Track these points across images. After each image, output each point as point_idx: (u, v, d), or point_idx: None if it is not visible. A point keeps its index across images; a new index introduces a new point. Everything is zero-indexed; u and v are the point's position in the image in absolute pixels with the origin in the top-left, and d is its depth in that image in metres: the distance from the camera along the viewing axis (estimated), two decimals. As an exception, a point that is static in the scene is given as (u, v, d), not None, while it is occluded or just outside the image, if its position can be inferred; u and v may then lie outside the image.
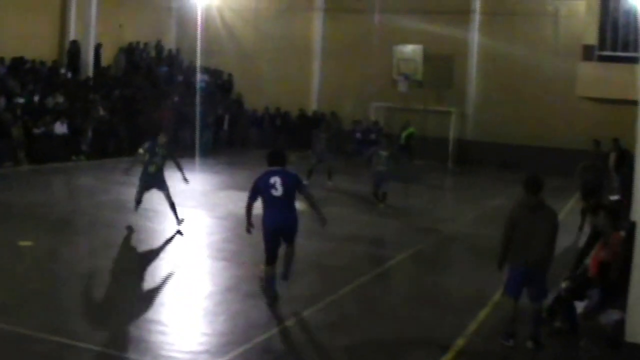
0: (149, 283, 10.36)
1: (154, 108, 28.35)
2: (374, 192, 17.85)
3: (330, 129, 23.00)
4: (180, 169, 13.79)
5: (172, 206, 13.75)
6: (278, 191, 9.28)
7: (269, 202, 9.36)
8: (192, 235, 13.74)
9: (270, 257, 9.51)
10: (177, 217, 13.81)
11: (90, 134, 24.44)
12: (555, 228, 8.13)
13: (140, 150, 13.63)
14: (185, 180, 13.85)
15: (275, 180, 9.32)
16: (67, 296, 9.60)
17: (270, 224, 9.38)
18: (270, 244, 9.48)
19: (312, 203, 9.66)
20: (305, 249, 12.72)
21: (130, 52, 31.81)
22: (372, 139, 27.27)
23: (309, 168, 20.59)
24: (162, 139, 13.68)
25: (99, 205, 16.24)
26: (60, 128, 23.49)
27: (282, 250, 9.72)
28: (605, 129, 26.12)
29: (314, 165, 20.79)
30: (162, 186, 13.69)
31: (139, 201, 13.81)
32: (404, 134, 29.30)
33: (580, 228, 15.13)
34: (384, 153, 17.53)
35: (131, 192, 17.63)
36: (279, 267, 9.71)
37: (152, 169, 13.47)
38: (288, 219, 9.46)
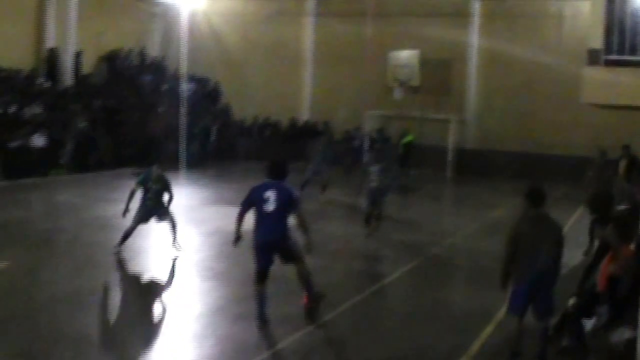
0: (133, 305, 10.29)
1: (145, 119, 28.38)
2: (366, 214, 16.11)
3: (326, 140, 23.08)
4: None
5: (174, 228, 13.46)
6: (271, 206, 9.24)
7: (260, 216, 9.34)
8: (179, 252, 13.66)
9: (259, 275, 9.46)
10: (174, 240, 13.53)
11: (70, 146, 24.35)
12: (560, 242, 8.11)
13: (134, 186, 13.10)
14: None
15: (270, 195, 9.28)
16: (45, 321, 9.50)
17: (260, 239, 9.35)
18: (260, 260, 9.45)
19: (302, 224, 9.53)
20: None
21: (112, 59, 31.76)
22: (376, 148, 27.20)
23: (304, 180, 20.66)
24: (155, 171, 13.24)
25: (80, 222, 16.17)
26: (38, 140, 23.40)
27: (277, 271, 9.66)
28: (611, 135, 26.20)
29: (309, 177, 20.87)
30: (164, 216, 13.37)
31: (127, 236, 13.11)
32: (402, 142, 29.35)
33: (586, 252, 14.57)
34: (374, 167, 16.12)
35: (114, 209, 17.60)
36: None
37: (149, 204, 13.18)
38: (277, 234, 9.38)
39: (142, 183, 13.10)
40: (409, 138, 29.48)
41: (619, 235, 8.75)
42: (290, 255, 9.58)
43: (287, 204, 9.33)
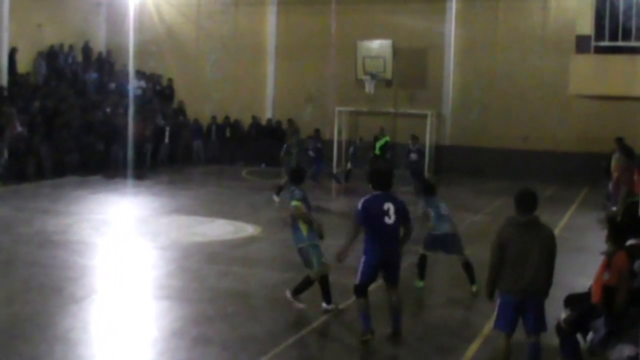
0: (79, 332, 10.09)
1: (90, 122, 28.14)
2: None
3: (295, 141, 23.26)
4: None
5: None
6: (391, 219, 9.58)
7: (379, 230, 9.62)
8: (131, 270, 13.49)
9: (363, 289, 9.83)
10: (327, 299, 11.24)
11: (5, 154, 24.00)
12: (553, 249, 8.08)
13: (299, 209, 11.02)
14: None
15: (389, 206, 9.61)
16: (-22, 352, 9.29)
17: (379, 254, 9.69)
18: (370, 274, 9.85)
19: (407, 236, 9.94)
20: (262, 279, 12.68)
21: (52, 56, 31.47)
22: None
23: (279, 185, 21.27)
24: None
25: (17, 239, 15.83)
26: (-32, 148, 23.06)
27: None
28: (603, 129, 26.43)
29: (285, 182, 21.21)
30: None
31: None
32: (378, 144, 29.23)
33: None
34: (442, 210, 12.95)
35: (56, 222, 17.40)
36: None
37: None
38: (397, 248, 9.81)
39: (304, 200, 11.10)
40: (385, 139, 29.37)
41: (611, 239, 8.72)
42: (396, 275, 9.98)
43: (404, 216, 9.75)
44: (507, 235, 8.03)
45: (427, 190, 13.28)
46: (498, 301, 8.20)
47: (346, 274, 11.55)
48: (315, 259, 10.90)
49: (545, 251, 7.98)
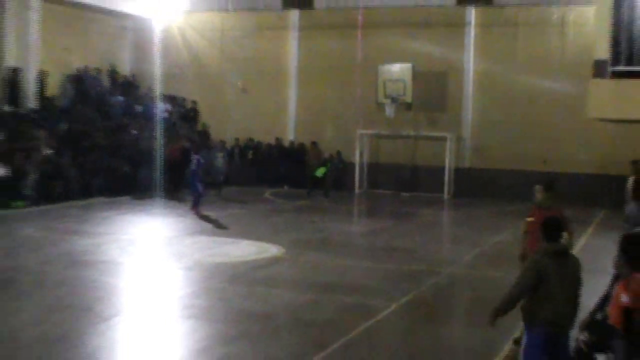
0: (107, 351, 10.22)
1: (116, 144, 28.36)
2: None
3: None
4: None
5: None
6: None
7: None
8: (157, 290, 13.62)
9: None
10: None
11: (33, 175, 24.21)
12: (581, 280, 7.91)
13: None
14: None
15: None
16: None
17: None
18: None
19: None
20: (282, 301, 12.71)
21: (79, 79, 31.67)
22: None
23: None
24: None
25: (46, 260, 15.96)
26: (-2, 170, 23.27)
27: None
28: (623, 152, 26.32)
29: None
30: None
31: None
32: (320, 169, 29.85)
33: None
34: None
35: (84, 243, 17.59)
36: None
37: None
38: None
39: None
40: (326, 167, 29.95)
41: (627, 262, 8.67)
42: None
43: None
44: (544, 267, 7.70)
45: None
46: (526, 336, 7.88)
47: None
48: None
49: (576, 282, 7.83)
